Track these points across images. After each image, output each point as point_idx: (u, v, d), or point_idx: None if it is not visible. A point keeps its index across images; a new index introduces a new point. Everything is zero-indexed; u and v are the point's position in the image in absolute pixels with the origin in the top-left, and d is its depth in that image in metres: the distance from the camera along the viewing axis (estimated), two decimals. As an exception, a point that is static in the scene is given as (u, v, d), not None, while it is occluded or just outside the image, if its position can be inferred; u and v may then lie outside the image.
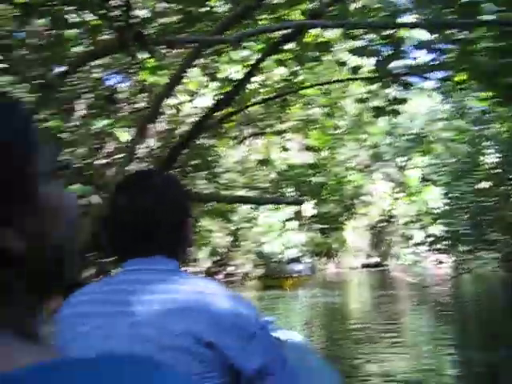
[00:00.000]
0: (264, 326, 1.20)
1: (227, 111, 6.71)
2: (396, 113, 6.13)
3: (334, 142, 18.05)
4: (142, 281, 1.16)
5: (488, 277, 22.28)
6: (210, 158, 11.61)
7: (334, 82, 8.35)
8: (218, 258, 29.18)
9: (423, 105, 28.18)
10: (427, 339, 8.51)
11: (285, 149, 18.79)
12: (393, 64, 5.61)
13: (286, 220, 32.23)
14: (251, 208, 30.03)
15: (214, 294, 1.16)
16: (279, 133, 10.93)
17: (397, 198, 17.55)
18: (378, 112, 6.23)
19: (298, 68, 7.10)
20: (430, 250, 20.05)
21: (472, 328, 9.75)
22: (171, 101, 8.37)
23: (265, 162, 23.60)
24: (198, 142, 8.17)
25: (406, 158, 25.03)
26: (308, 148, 18.07)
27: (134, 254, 1.20)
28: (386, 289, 19.70)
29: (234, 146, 17.19)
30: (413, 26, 4.91)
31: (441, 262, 21.07)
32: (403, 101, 6.17)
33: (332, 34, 6.81)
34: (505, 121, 23.40)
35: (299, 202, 6.54)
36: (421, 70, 6.00)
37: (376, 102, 6.79)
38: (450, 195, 19.91)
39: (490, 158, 17.74)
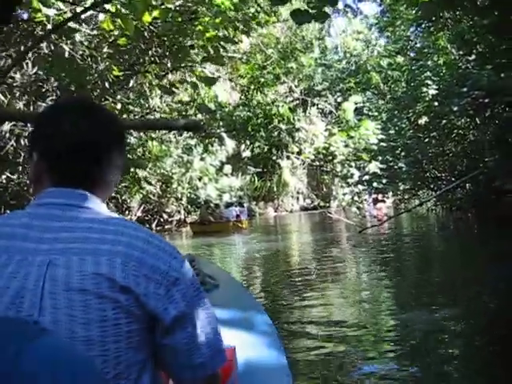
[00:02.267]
0: (187, 272, 1.14)
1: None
2: (325, 16, 4.59)
3: (262, 75, 16.72)
4: (58, 217, 1.11)
5: (427, 216, 21.84)
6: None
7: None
8: (150, 206, 28.50)
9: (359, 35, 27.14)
10: (366, 286, 8.10)
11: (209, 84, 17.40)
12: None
13: (222, 163, 31.51)
14: (184, 152, 29.20)
15: (133, 236, 1.11)
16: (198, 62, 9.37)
17: (333, 134, 16.33)
18: (301, 17, 4.59)
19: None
20: (368, 190, 19.16)
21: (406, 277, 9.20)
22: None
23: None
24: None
25: (340, 90, 23.94)
26: (235, 84, 16.82)
27: (58, 182, 1.16)
28: (324, 232, 19.34)
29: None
30: None
31: (380, 201, 20.46)
32: (333, 2, 4.64)
33: None
34: (444, 53, 22.66)
35: (198, 127, 5.19)
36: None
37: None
38: (388, 131, 18.92)
39: (430, 90, 16.67)
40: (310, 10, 4.48)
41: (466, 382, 4.05)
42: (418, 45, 25.21)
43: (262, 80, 15.88)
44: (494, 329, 5.33)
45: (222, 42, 6.40)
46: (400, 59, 26.68)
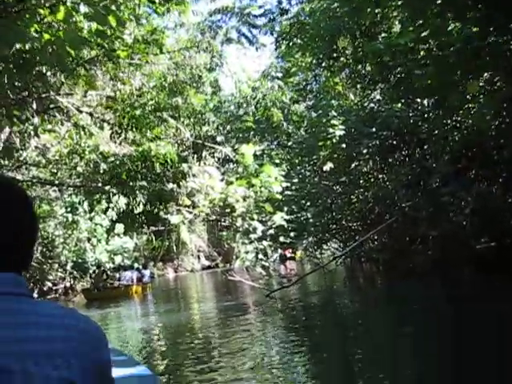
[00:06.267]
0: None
1: None
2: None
3: (150, 120, 14.27)
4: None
5: (336, 270, 19.75)
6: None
7: None
8: (30, 273, 24.78)
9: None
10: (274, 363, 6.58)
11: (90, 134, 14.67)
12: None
13: (113, 222, 28.29)
14: (67, 211, 26.00)
15: (76, 328, 1.07)
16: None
17: (230, 183, 13.83)
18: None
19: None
20: (274, 246, 16.71)
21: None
22: None
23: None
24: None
25: (237, 132, 21.84)
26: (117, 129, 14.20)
27: None
28: (228, 296, 17.23)
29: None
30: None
31: (289, 259, 18.28)
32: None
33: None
34: (343, 99, 21.27)
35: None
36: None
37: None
38: (292, 179, 16.75)
39: (337, 131, 14.69)
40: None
41: None
42: (315, 89, 23.83)
43: (137, 114, 13.30)
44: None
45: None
46: (301, 106, 25.38)
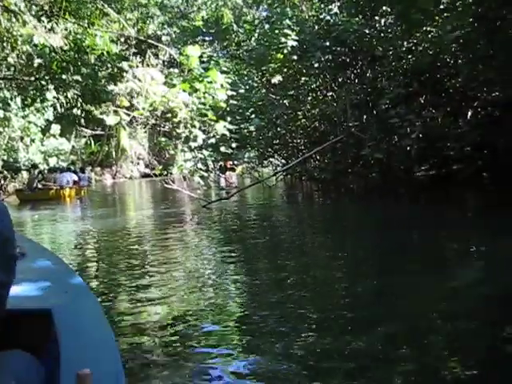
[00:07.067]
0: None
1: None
2: None
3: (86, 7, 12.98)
4: None
5: (275, 186, 19.53)
6: None
7: None
8: None
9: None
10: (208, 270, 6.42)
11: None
12: None
13: (49, 122, 27.02)
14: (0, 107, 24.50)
15: None
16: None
17: (173, 85, 12.96)
18: None
19: None
20: (214, 155, 16.16)
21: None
22: None
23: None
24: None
25: (184, 33, 20.52)
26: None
27: None
28: (165, 204, 16.63)
29: None
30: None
31: (229, 170, 17.76)
32: None
33: None
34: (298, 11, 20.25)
35: None
36: None
37: None
38: (239, 88, 15.97)
39: (289, 41, 13.91)
40: None
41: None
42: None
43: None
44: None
45: None
46: (253, 12, 23.98)
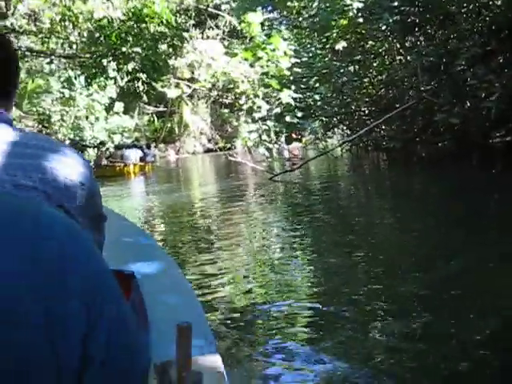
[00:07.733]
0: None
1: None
2: None
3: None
4: None
5: (342, 157, 18.95)
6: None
7: None
8: None
9: None
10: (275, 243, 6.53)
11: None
12: None
13: (112, 100, 27.22)
14: (65, 87, 24.86)
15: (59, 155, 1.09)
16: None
17: (235, 55, 12.52)
18: None
19: None
20: (279, 126, 15.66)
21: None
22: None
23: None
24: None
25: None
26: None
27: None
28: (229, 179, 16.50)
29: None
30: None
31: (295, 140, 17.20)
32: None
33: None
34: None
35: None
36: None
37: None
38: (302, 56, 15.33)
39: (355, 3, 13.13)
40: None
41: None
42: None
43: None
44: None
45: None
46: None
